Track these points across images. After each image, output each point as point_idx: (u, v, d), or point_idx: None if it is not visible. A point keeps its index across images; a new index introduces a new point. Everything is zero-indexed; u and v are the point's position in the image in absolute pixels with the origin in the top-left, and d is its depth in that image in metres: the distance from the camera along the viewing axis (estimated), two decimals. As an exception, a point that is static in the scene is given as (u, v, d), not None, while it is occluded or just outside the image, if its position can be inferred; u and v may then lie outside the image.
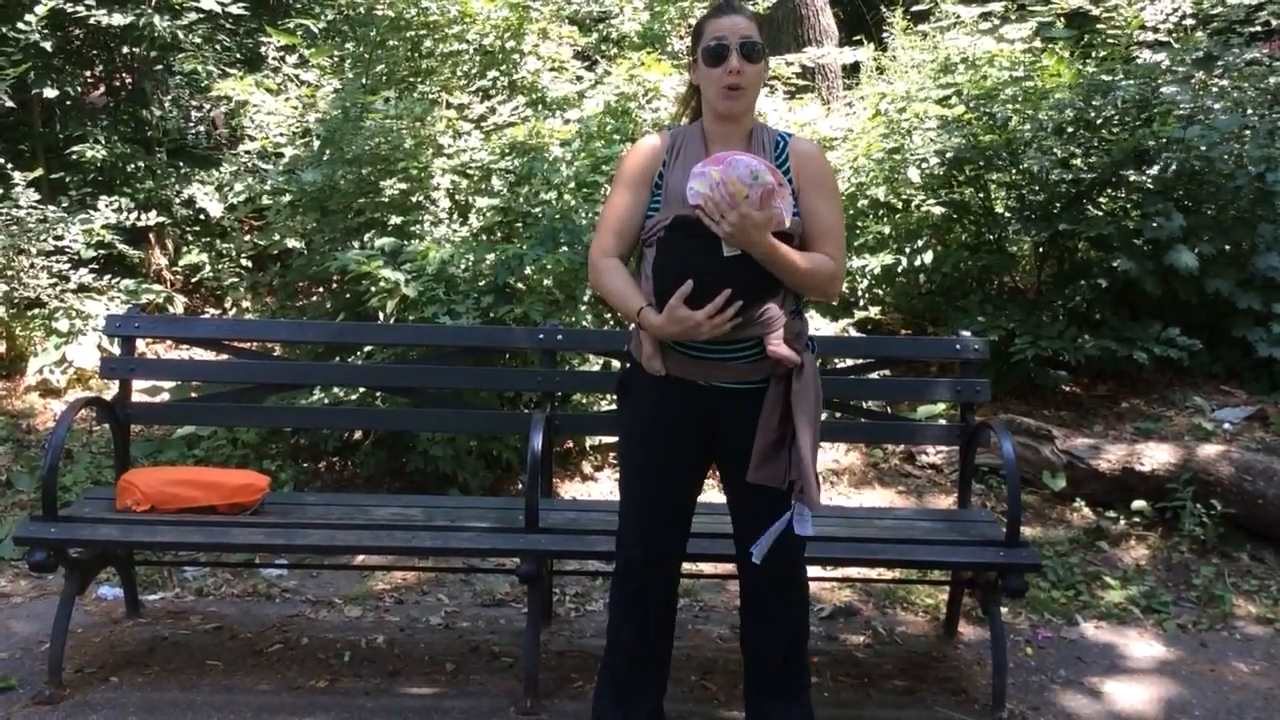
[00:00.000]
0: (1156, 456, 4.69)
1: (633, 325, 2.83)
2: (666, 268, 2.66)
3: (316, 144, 5.63)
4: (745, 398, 2.75)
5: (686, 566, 3.24)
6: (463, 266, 4.82)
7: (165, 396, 5.48)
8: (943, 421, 5.00)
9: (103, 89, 7.85)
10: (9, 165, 6.19)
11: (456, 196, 5.47)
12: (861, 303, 5.88)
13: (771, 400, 2.72)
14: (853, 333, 5.59)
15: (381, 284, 4.73)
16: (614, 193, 2.85)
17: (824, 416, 3.92)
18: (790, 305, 2.76)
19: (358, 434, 5.09)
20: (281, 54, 6.67)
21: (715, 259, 2.61)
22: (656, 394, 2.80)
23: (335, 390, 4.79)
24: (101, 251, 6.39)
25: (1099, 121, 5.59)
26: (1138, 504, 4.66)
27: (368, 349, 4.81)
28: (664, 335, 2.68)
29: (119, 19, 6.54)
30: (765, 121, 2.85)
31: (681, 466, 2.87)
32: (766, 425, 2.72)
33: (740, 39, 2.70)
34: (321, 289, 6.02)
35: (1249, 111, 5.78)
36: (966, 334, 3.83)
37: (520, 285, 4.85)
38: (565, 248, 4.80)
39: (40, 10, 6.24)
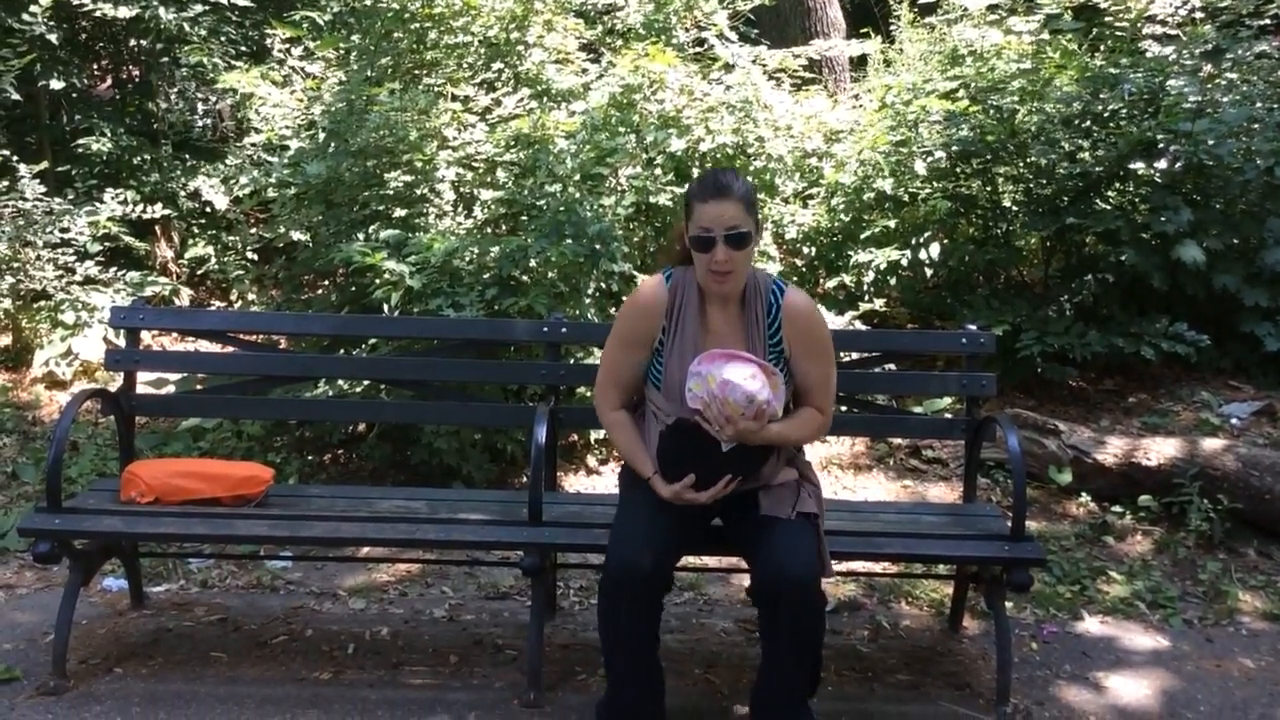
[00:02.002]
0: (1163, 451, 4.68)
1: None
2: (671, 460, 2.95)
3: (321, 136, 5.63)
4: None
5: (690, 560, 3.25)
6: (467, 258, 4.82)
7: (170, 389, 5.49)
8: (948, 416, 5.00)
9: (109, 81, 7.86)
10: (15, 158, 6.20)
11: (461, 189, 5.47)
12: (868, 296, 5.87)
13: (775, 459, 3.05)
14: (859, 326, 5.57)
15: (385, 276, 4.72)
16: (614, 345, 3.08)
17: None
18: (786, 455, 3.07)
19: (362, 426, 5.09)
20: (287, 46, 6.66)
21: (715, 454, 2.90)
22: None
23: (340, 383, 4.79)
24: (107, 244, 6.40)
25: (1106, 115, 5.56)
26: (1144, 499, 4.65)
27: (372, 341, 4.81)
28: (670, 501, 2.94)
29: (125, 11, 6.54)
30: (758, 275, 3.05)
31: (681, 512, 2.97)
32: (771, 473, 3.02)
33: (725, 230, 2.84)
34: (327, 281, 6.02)
35: (1258, 105, 5.75)
36: (973, 328, 3.81)
37: (525, 278, 4.84)
38: (569, 240, 4.79)
39: (44, 1, 6.23)
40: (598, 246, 4.82)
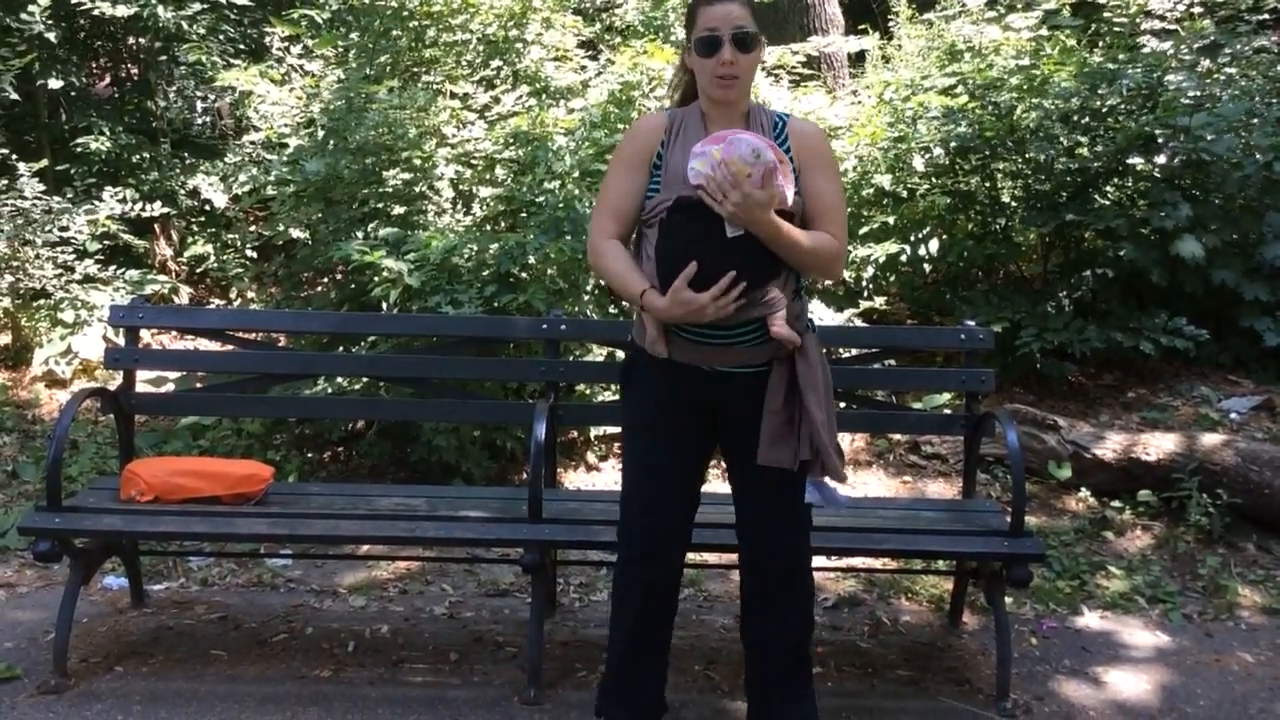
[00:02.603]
0: (1162, 446, 4.68)
1: (635, 311, 2.81)
2: (669, 251, 2.64)
3: (321, 134, 5.63)
4: (748, 381, 2.74)
5: (690, 556, 3.23)
6: (466, 256, 4.82)
7: (170, 387, 5.49)
8: (948, 411, 5.00)
9: (108, 80, 7.86)
10: (14, 156, 6.19)
11: (460, 186, 5.47)
12: (867, 293, 5.87)
13: (775, 382, 2.71)
14: (858, 323, 5.57)
15: (384, 274, 4.72)
16: (612, 174, 2.84)
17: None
18: (792, 287, 2.75)
19: (361, 424, 5.10)
20: (286, 44, 6.66)
21: (718, 240, 2.60)
22: (659, 382, 2.79)
23: (339, 380, 4.79)
24: (106, 242, 6.40)
25: (1104, 111, 5.56)
26: (1143, 494, 4.65)
27: (371, 339, 4.81)
28: (667, 318, 2.66)
29: (123, 10, 6.53)
30: (763, 103, 2.85)
31: (685, 455, 2.86)
32: (772, 407, 2.70)
33: (733, 29, 2.67)
34: (326, 279, 6.02)
35: (1256, 100, 5.74)
36: (972, 324, 3.82)
37: (524, 275, 4.84)
38: (568, 236, 4.79)
39: (43, 1, 6.23)
40: None
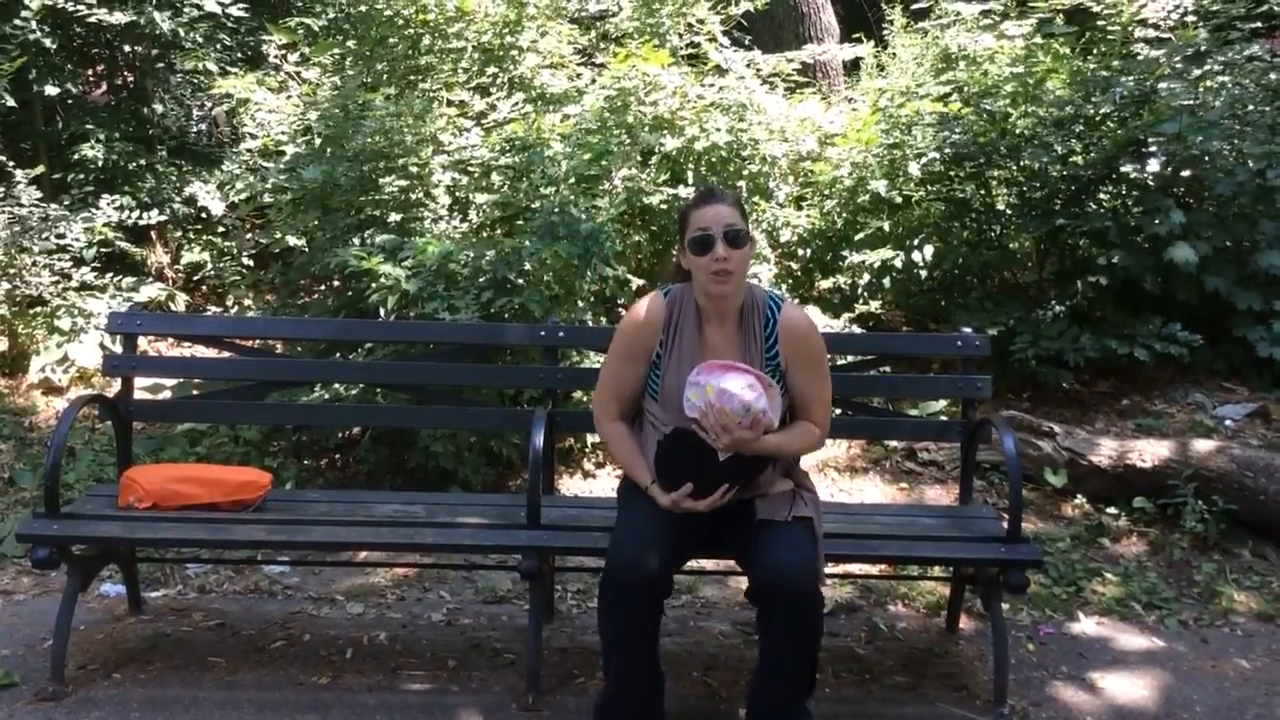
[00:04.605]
0: (1157, 453, 4.69)
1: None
2: (668, 468, 2.98)
3: (317, 141, 5.64)
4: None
5: (688, 563, 3.25)
6: (462, 262, 4.82)
7: (167, 394, 5.49)
8: (944, 418, 5.01)
9: (104, 87, 7.86)
10: (11, 163, 6.20)
11: (457, 193, 5.48)
12: (863, 299, 5.88)
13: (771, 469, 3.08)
14: (854, 329, 5.59)
15: (381, 280, 4.73)
16: (613, 357, 3.12)
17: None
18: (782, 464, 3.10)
19: (357, 430, 5.10)
20: (283, 52, 6.67)
21: (712, 463, 2.94)
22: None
23: (336, 387, 4.79)
24: (103, 250, 6.40)
25: (1097, 118, 5.59)
26: (1138, 500, 4.66)
27: (368, 346, 4.82)
28: (668, 509, 2.96)
29: (120, 17, 6.54)
30: (755, 282, 3.10)
31: (678, 516, 2.98)
32: (768, 480, 3.05)
33: (724, 228, 2.91)
34: (323, 286, 6.03)
35: (1249, 107, 5.77)
36: (968, 330, 3.83)
37: (520, 281, 4.85)
38: (563, 240, 4.79)
39: (34, 5, 6.23)
40: (591, 247, 4.83)
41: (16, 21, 6.33)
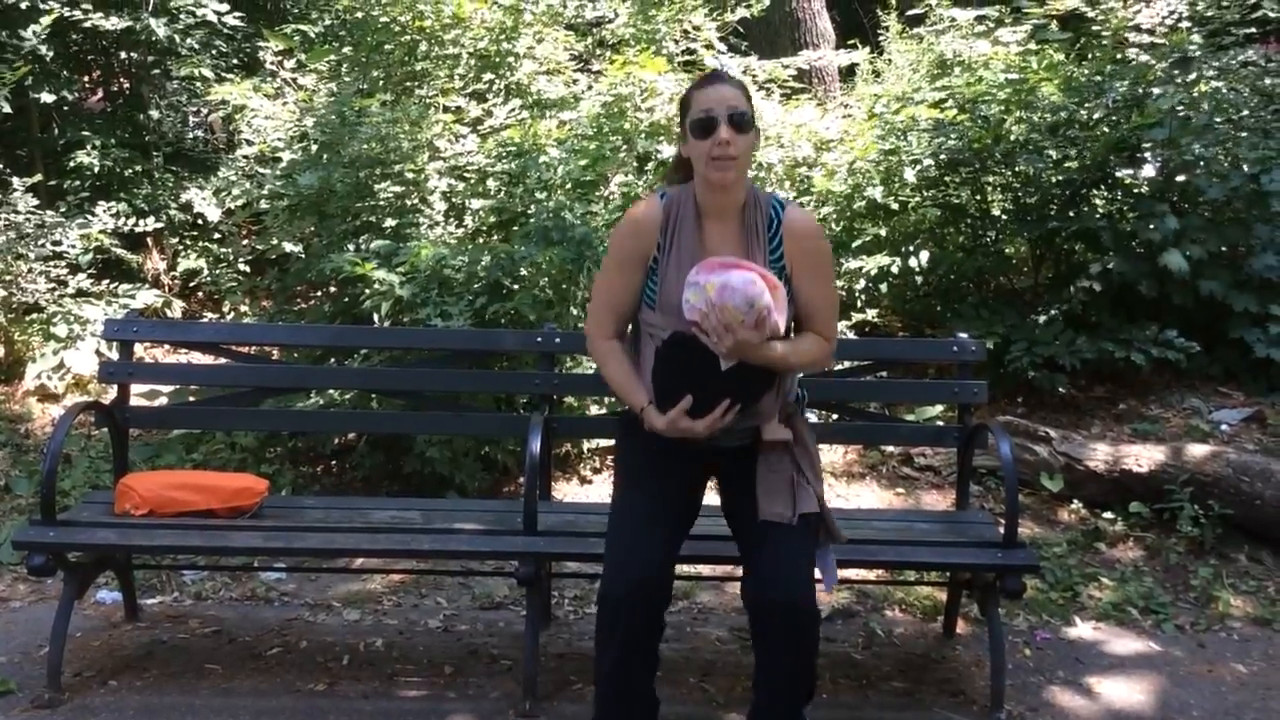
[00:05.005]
0: (1154, 458, 4.70)
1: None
2: (665, 380, 2.75)
3: (314, 148, 5.64)
4: (743, 445, 2.86)
5: (684, 568, 3.24)
6: (457, 267, 4.82)
7: (163, 400, 5.48)
8: (940, 423, 5.01)
9: (101, 94, 7.86)
10: (7, 170, 6.21)
11: (452, 199, 5.48)
12: (859, 304, 5.89)
13: (769, 446, 2.85)
14: (850, 335, 5.59)
15: (375, 286, 4.73)
16: (607, 270, 2.90)
17: (820, 418, 3.93)
18: (785, 383, 2.87)
19: (353, 436, 5.09)
20: (279, 58, 6.68)
21: (713, 373, 2.70)
22: (658, 440, 2.83)
23: (331, 393, 4.79)
24: (100, 257, 6.40)
25: (1090, 123, 5.60)
26: (1135, 505, 4.66)
27: (364, 352, 4.82)
28: (664, 434, 2.77)
29: (116, 23, 6.55)
30: (758, 184, 2.90)
31: (676, 502, 2.90)
32: (767, 464, 2.82)
33: (728, 110, 2.71)
34: (319, 293, 6.03)
35: (1244, 112, 5.78)
36: (964, 336, 3.84)
37: (515, 287, 4.85)
38: (557, 245, 4.80)
39: (45, 20, 6.24)
40: (585, 252, 4.83)
41: (21, 34, 6.33)
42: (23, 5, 6.37)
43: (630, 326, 2.95)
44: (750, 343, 2.64)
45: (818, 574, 2.89)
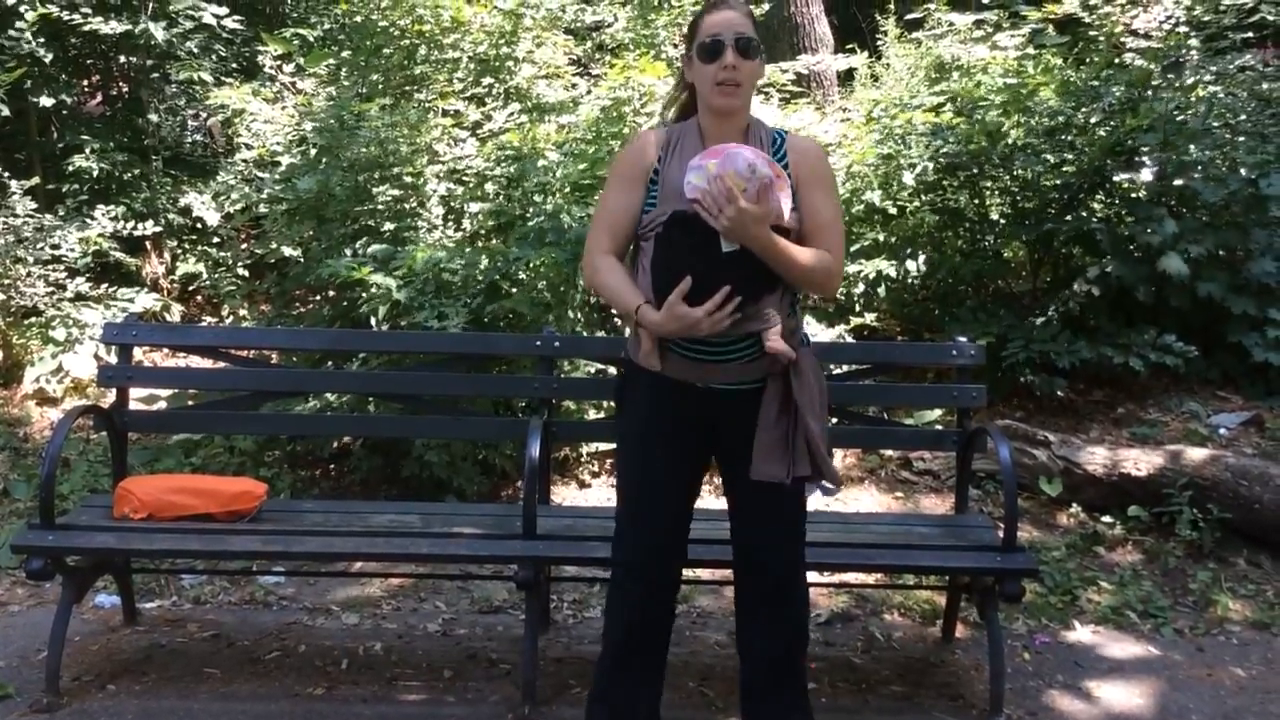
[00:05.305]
0: (1152, 462, 4.70)
1: (630, 326, 2.81)
2: (665, 264, 2.64)
3: (312, 152, 5.65)
4: (743, 398, 2.74)
5: (683, 573, 3.23)
6: (454, 270, 4.82)
7: (162, 404, 5.48)
8: (939, 427, 5.02)
9: (99, 98, 7.86)
10: (6, 174, 6.20)
11: (451, 203, 5.49)
12: (857, 308, 5.89)
13: (770, 398, 2.70)
14: (849, 339, 5.60)
15: (373, 290, 4.73)
16: (608, 189, 2.83)
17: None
18: (787, 302, 2.75)
19: (351, 439, 5.09)
20: (278, 63, 6.68)
21: (714, 255, 2.59)
22: (654, 397, 2.79)
23: (329, 397, 4.79)
24: (98, 260, 6.40)
25: (1088, 127, 5.61)
26: (1133, 509, 4.67)
27: (362, 355, 4.82)
28: (662, 332, 2.65)
29: (115, 27, 6.55)
30: (762, 120, 2.86)
31: (679, 469, 2.85)
32: (766, 421, 2.70)
33: (735, 35, 2.67)
34: (318, 296, 6.03)
35: (1241, 116, 5.79)
36: (962, 340, 3.84)
37: (513, 290, 4.85)
38: (554, 247, 4.80)
39: (30, 16, 6.24)
40: (580, 253, 4.83)
41: (11, 33, 6.33)
42: (21, 8, 6.37)
43: (629, 255, 2.85)
44: (752, 216, 2.54)
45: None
